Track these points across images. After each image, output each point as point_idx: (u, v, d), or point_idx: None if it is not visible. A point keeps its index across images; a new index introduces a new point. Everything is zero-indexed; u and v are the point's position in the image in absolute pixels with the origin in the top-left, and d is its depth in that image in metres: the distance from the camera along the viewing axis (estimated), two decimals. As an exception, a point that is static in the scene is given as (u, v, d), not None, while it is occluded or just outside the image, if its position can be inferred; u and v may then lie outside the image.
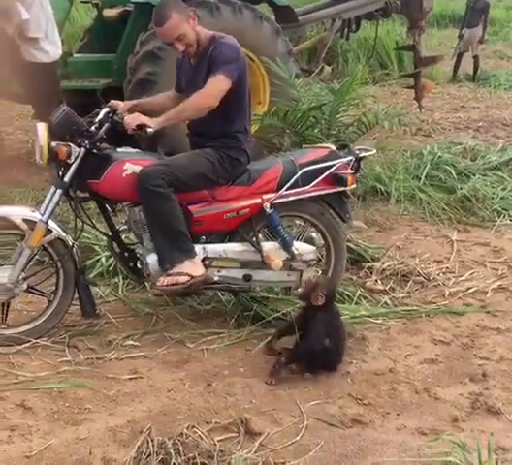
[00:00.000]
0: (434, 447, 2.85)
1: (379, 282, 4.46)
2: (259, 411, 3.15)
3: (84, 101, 6.33)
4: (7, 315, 3.73)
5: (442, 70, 11.35)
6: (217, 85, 3.63)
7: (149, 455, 2.68)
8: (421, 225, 5.58)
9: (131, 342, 3.71)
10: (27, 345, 3.63)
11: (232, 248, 3.82)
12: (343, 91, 5.80)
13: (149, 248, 3.73)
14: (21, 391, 3.26)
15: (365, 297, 4.24)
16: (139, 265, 3.83)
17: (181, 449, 2.70)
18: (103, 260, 4.52)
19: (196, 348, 3.68)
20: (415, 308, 4.14)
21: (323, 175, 3.85)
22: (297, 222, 4.56)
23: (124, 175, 3.65)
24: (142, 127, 3.59)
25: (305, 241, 4.03)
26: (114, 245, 3.94)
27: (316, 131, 5.70)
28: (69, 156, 3.61)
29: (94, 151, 3.66)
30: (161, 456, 2.67)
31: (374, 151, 4.14)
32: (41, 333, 3.70)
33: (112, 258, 4.54)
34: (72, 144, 3.63)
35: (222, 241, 3.87)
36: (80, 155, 3.62)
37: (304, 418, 3.09)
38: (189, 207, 3.74)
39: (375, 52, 10.71)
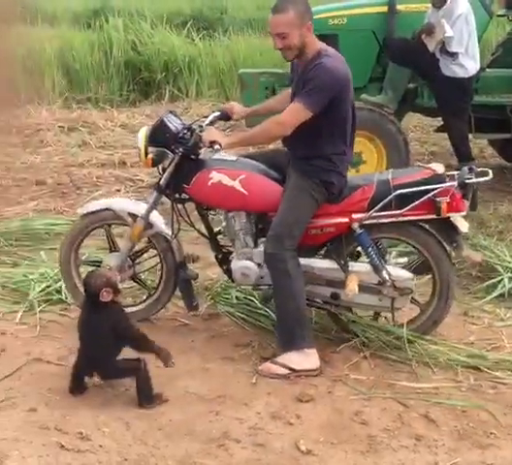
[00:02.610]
0: None
1: None
2: None
3: (494, 116, 6.25)
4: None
5: None
6: (294, 115, 3.48)
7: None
8: None
9: None
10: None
11: (317, 264, 3.72)
12: None
13: (238, 253, 3.76)
14: (424, 402, 3.29)
15: None
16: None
17: None
18: (505, 280, 4.41)
19: None
20: None
21: (418, 201, 3.56)
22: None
23: (209, 184, 3.67)
24: (213, 143, 3.54)
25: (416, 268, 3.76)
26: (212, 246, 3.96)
27: None
28: (155, 163, 3.74)
29: (192, 157, 3.68)
30: None
31: (490, 177, 3.66)
32: (136, 319, 3.69)
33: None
34: (167, 150, 3.70)
35: (312, 256, 3.76)
36: (174, 161, 3.68)
37: None
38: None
39: None
